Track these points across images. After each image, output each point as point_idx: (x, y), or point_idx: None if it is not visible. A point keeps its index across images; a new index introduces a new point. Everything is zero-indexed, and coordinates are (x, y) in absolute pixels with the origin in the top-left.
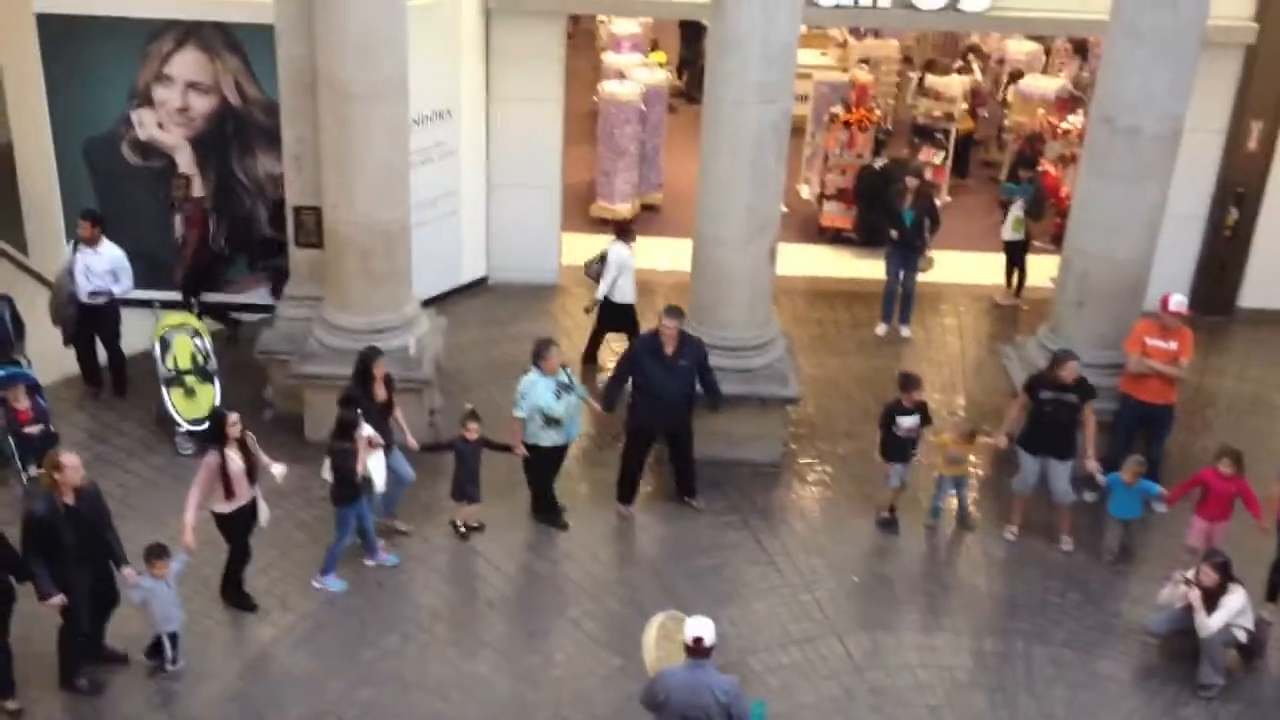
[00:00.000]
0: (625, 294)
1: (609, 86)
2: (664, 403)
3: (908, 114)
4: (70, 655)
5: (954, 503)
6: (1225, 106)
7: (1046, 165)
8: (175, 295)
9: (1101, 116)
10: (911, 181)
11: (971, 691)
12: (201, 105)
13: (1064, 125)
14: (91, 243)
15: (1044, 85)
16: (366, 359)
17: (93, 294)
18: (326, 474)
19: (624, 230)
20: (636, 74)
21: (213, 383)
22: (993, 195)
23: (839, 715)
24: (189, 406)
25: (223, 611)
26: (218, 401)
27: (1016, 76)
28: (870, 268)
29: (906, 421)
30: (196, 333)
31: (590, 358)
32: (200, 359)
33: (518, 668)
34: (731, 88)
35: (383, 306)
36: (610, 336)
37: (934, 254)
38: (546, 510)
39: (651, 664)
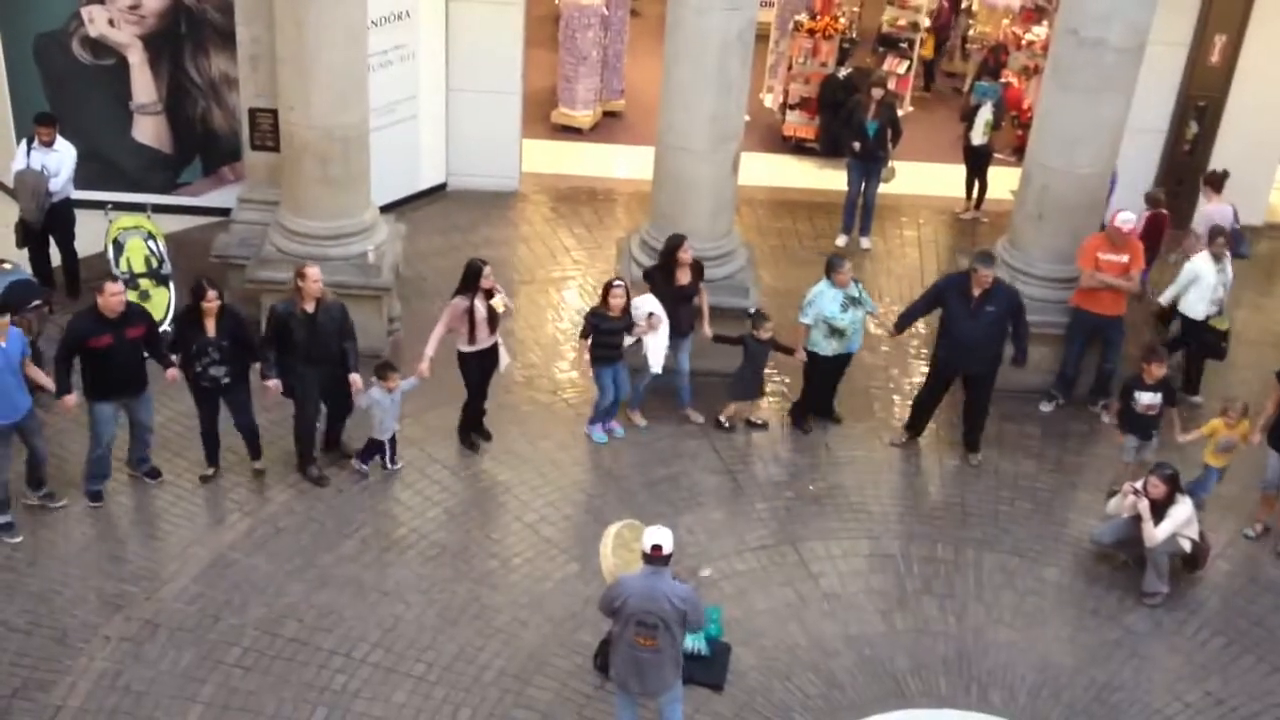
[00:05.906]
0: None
1: None
2: (963, 344)
3: (873, 23)
4: (301, 445)
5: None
6: (1189, 19)
7: (1010, 76)
8: (128, 197)
9: (1067, 28)
10: (877, 92)
11: (922, 597)
12: (153, 2)
13: (1028, 36)
14: (49, 144)
15: None
16: (673, 245)
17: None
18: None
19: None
20: None
21: (167, 286)
22: (956, 106)
23: (793, 620)
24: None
25: (183, 515)
26: (172, 305)
27: None
28: (832, 178)
29: (1145, 398)
30: (150, 235)
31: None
32: (154, 262)
33: (476, 571)
34: None
35: (341, 212)
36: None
37: (896, 164)
38: (821, 413)
39: (608, 571)
